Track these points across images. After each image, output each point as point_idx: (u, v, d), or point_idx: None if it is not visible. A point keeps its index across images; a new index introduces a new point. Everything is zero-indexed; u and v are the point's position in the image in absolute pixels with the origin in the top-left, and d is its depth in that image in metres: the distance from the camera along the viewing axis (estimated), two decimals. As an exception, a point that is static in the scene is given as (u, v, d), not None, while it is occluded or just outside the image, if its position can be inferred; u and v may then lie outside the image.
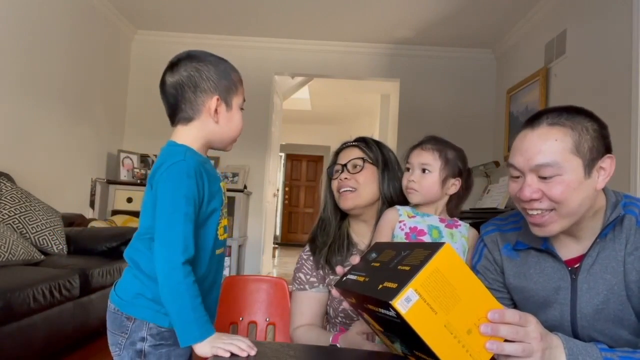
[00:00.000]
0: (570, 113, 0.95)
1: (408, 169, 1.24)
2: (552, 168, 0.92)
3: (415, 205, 1.26)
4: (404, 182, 1.24)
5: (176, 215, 0.95)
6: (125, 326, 1.01)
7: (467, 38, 4.47)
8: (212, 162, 1.20)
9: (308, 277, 1.35)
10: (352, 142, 1.40)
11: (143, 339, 1.00)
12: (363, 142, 1.38)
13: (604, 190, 1.00)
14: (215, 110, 1.05)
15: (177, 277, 0.93)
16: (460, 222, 1.24)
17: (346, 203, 1.32)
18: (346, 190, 1.31)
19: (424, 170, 1.21)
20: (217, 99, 1.05)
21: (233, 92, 1.08)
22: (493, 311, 0.73)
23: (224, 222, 1.08)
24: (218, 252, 1.07)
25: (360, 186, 1.31)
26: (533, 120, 0.97)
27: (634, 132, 2.40)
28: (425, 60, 4.80)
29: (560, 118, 0.94)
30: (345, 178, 1.32)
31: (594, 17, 3.01)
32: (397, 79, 4.88)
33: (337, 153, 1.41)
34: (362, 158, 1.34)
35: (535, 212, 0.95)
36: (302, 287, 1.35)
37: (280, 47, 4.81)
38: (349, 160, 1.34)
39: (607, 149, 0.95)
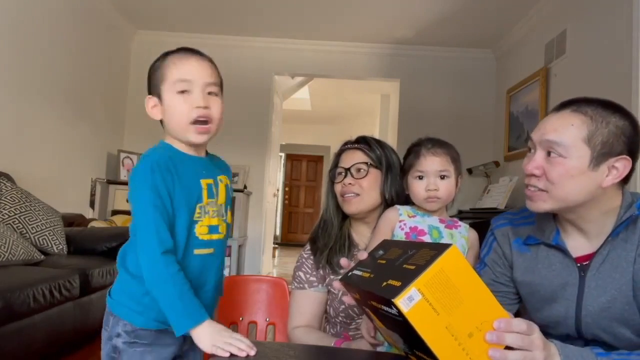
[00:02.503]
0: (601, 106, 0.97)
1: (420, 177, 1.20)
2: (559, 147, 0.94)
3: (414, 205, 1.26)
4: (419, 192, 1.19)
5: (145, 207, 0.95)
6: (107, 320, 1.03)
7: (467, 38, 4.47)
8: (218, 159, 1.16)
9: (308, 276, 1.35)
10: (354, 143, 1.38)
11: (118, 335, 1.00)
12: (366, 144, 1.36)
13: (622, 191, 1.01)
14: (154, 108, 1.05)
15: (158, 268, 0.93)
16: (459, 222, 1.24)
17: (350, 208, 1.31)
18: (350, 196, 1.30)
19: (442, 177, 1.19)
20: (148, 98, 1.05)
21: (161, 81, 1.03)
22: (499, 320, 0.72)
23: (209, 221, 1.02)
24: (198, 252, 1.01)
25: (365, 191, 1.30)
26: (563, 104, 1.00)
27: (634, 132, 2.40)
28: (425, 60, 4.80)
29: (586, 108, 0.96)
30: (350, 183, 1.30)
31: (594, 17, 3.01)
32: (397, 79, 4.88)
33: (339, 155, 1.39)
34: (366, 162, 1.32)
35: (531, 188, 0.99)
36: (301, 286, 1.35)
37: (280, 47, 4.81)
38: (353, 165, 1.32)
39: (629, 151, 0.95)
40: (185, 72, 1.01)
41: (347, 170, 1.32)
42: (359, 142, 1.38)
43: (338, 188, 1.34)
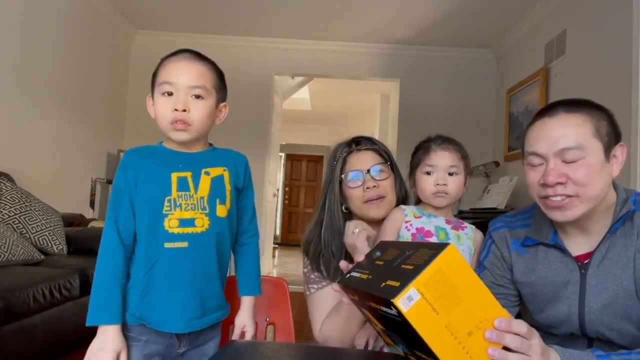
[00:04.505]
0: (581, 103, 0.99)
1: (429, 172, 1.18)
2: (576, 151, 0.93)
3: (419, 204, 1.25)
4: (428, 187, 1.17)
5: (109, 204, 1.05)
6: None
7: (467, 38, 4.47)
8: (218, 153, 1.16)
9: (325, 273, 1.29)
10: (359, 144, 1.32)
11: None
12: (373, 144, 1.32)
13: (616, 187, 1.02)
14: (151, 107, 1.09)
15: (100, 254, 1.02)
16: (465, 223, 1.23)
17: (379, 212, 1.26)
18: (376, 199, 1.25)
19: (451, 174, 1.18)
20: (148, 97, 1.09)
21: (155, 82, 1.07)
22: (500, 319, 0.72)
23: (180, 214, 1.03)
24: (169, 245, 1.02)
25: (389, 193, 1.27)
26: (548, 110, 1.00)
27: (634, 132, 2.40)
28: (425, 60, 4.80)
29: (576, 107, 0.97)
30: (374, 186, 1.25)
31: (594, 17, 3.01)
32: (397, 79, 4.87)
33: (344, 157, 1.30)
34: (385, 163, 1.29)
35: (558, 198, 0.95)
36: (321, 285, 1.28)
37: (280, 47, 4.81)
38: (372, 166, 1.27)
39: (617, 137, 0.98)
40: (169, 74, 1.04)
41: (366, 172, 1.26)
42: (365, 142, 1.33)
43: (358, 193, 1.26)
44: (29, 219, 2.54)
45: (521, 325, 0.74)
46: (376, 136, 1.40)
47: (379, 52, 4.80)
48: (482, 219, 3.13)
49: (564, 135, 0.94)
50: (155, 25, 4.61)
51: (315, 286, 1.30)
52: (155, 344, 1.04)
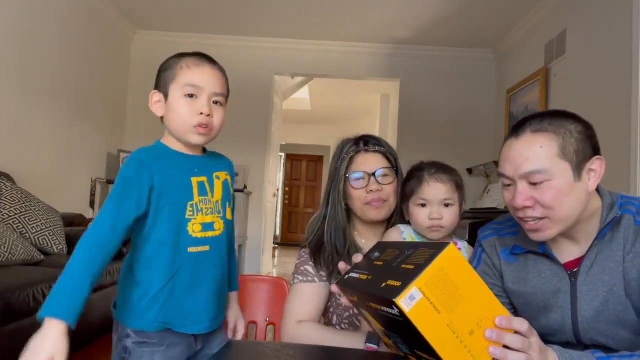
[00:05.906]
0: (553, 117, 0.95)
1: (423, 205, 1.15)
2: (540, 175, 0.92)
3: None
4: (422, 220, 1.15)
5: (111, 194, 0.98)
6: (116, 326, 1.05)
7: (467, 38, 4.47)
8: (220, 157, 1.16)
9: (317, 270, 1.28)
10: (367, 145, 1.31)
11: (128, 336, 1.01)
12: (382, 147, 1.31)
13: (600, 191, 1.00)
14: (157, 103, 1.06)
15: (83, 242, 0.91)
16: (459, 242, 1.22)
17: (379, 215, 1.26)
18: (378, 203, 1.25)
19: (446, 205, 1.15)
20: (153, 93, 1.07)
21: (171, 80, 1.05)
22: (501, 318, 0.72)
23: (202, 218, 1.03)
24: (192, 250, 1.02)
25: (391, 197, 1.26)
26: (517, 128, 0.98)
27: (634, 132, 2.40)
28: (425, 60, 4.80)
29: (542, 124, 0.94)
30: (378, 190, 1.24)
31: (594, 17, 3.01)
32: (397, 79, 4.88)
33: (351, 157, 1.30)
34: (391, 167, 1.28)
35: (530, 220, 0.95)
36: (309, 279, 1.27)
37: (280, 47, 4.81)
38: (378, 169, 1.26)
39: (595, 150, 0.95)
40: (196, 78, 1.04)
41: (371, 175, 1.26)
42: (373, 143, 1.32)
43: (361, 194, 1.26)
44: (29, 219, 2.54)
45: (522, 323, 0.74)
46: (376, 135, 1.39)
47: (379, 52, 4.80)
48: (482, 219, 3.13)
49: (528, 158, 0.92)
50: (155, 25, 4.61)
51: (301, 277, 1.28)
52: (177, 346, 1.04)
